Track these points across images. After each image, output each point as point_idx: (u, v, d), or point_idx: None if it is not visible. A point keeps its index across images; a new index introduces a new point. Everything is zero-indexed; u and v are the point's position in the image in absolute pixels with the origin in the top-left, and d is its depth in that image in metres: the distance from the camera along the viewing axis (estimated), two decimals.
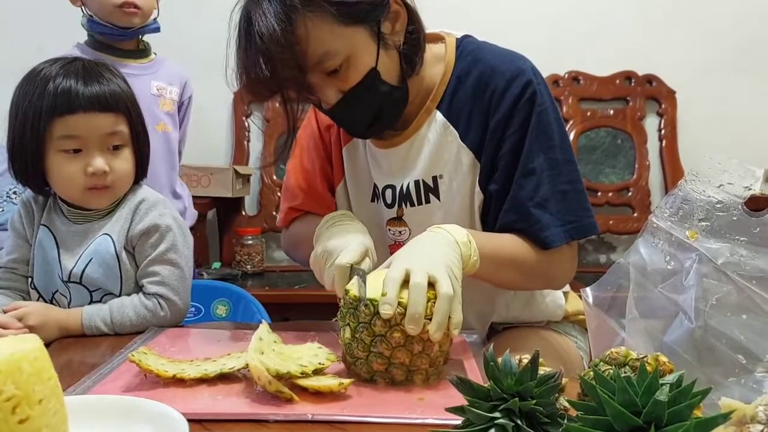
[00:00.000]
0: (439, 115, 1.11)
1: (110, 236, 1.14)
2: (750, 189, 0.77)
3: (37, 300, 1.16)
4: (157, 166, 1.79)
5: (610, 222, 2.64)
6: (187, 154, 2.12)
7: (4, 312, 1.07)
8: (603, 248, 2.76)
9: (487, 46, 1.14)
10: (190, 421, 0.65)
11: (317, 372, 0.81)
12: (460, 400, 0.59)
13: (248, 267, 2.55)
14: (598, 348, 0.82)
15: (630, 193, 2.68)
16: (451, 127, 1.10)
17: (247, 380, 0.83)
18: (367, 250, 0.98)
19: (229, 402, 0.77)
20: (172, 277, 1.14)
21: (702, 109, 2.68)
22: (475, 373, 0.86)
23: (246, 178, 2.64)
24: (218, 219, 2.75)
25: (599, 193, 2.66)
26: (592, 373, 0.61)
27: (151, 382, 0.83)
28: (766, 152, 2.39)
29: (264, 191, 2.75)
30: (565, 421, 0.57)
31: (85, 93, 1.08)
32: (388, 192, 1.15)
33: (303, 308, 2.15)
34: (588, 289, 0.84)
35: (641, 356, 0.67)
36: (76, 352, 1.02)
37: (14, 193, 2.00)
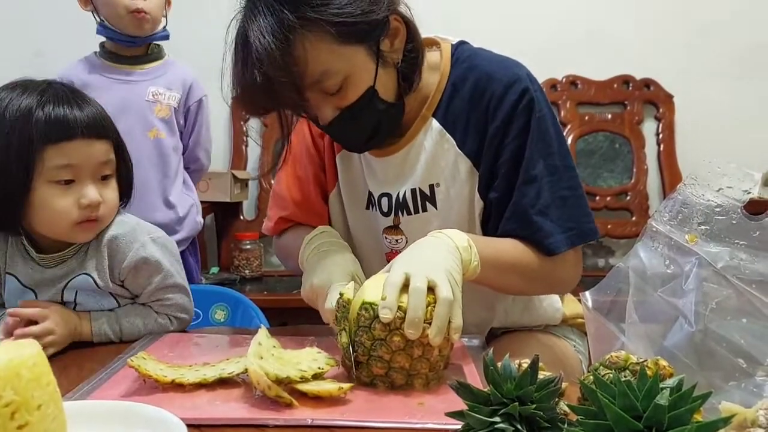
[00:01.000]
0: (435, 123, 1.10)
1: (89, 275, 1.09)
2: (749, 193, 0.77)
3: None
4: (147, 174, 1.78)
5: (609, 226, 2.64)
6: None
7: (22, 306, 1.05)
8: (601, 252, 2.76)
9: (483, 52, 1.13)
10: (188, 426, 0.65)
11: (316, 377, 0.80)
12: (460, 404, 0.59)
13: (246, 272, 2.55)
14: (597, 352, 0.81)
15: (628, 197, 2.68)
16: (448, 135, 1.09)
17: (246, 385, 0.83)
18: (352, 275, 0.98)
19: (228, 407, 0.77)
20: (178, 299, 1.15)
21: (700, 113, 2.69)
22: (475, 378, 0.86)
23: (244, 183, 2.64)
24: (216, 224, 2.75)
25: (597, 197, 2.66)
26: (592, 377, 0.61)
27: (150, 387, 0.82)
28: (764, 156, 2.40)
29: (262, 196, 2.75)
30: (566, 425, 0.57)
31: (82, 119, 1.01)
32: (384, 200, 1.15)
33: (301, 313, 2.13)
34: (587, 293, 0.84)
35: (641, 360, 0.67)
36: (75, 358, 1.02)
37: None
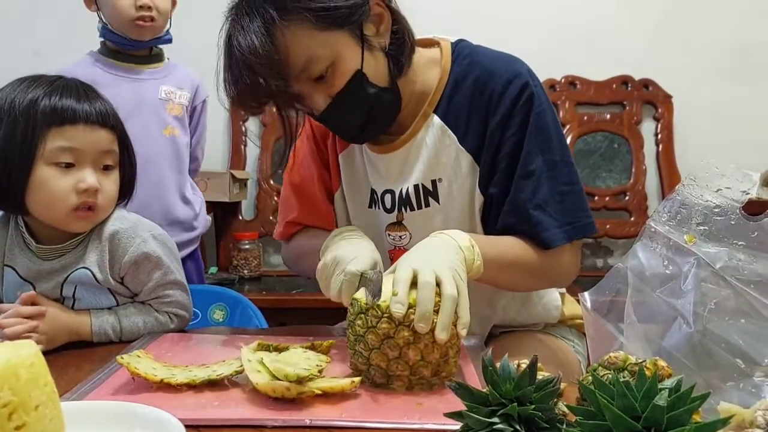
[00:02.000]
0: (436, 119, 1.11)
1: (88, 269, 1.09)
2: (747, 193, 0.77)
3: None
4: (164, 171, 1.80)
5: (607, 226, 2.64)
6: None
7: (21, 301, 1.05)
8: (600, 252, 2.77)
9: (483, 49, 1.14)
10: (187, 426, 0.65)
11: (320, 372, 0.82)
12: (458, 405, 0.59)
13: (245, 271, 2.55)
14: (596, 353, 0.81)
15: (627, 198, 2.68)
16: (449, 131, 1.10)
17: (237, 386, 0.83)
18: (377, 263, 0.97)
19: (226, 407, 0.77)
20: (178, 296, 1.16)
21: (698, 113, 2.69)
22: (474, 378, 0.86)
23: (243, 183, 2.64)
24: (215, 223, 2.74)
25: (596, 197, 2.66)
26: (590, 377, 0.61)
27: (141, 386, 0.82)
28: (763, 156, 2.40)
29: (261, 196, 2.74)
30: (564, 426, 0.57)
31: (87, 107, 1.05)
32: (387, 197, 1.15)
33: (300, 313, 2.15)
34: (586, 293, 0.84)
35: (640, 361, 0.67)
36: (73, 358, 1.02)
37: None
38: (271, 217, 2.69)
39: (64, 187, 1.03)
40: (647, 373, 0.56)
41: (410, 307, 0.82)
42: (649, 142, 2.72)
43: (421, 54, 1.12)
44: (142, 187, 1.79)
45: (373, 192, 1.18)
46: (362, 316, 0.84)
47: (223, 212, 2.69)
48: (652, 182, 2.71)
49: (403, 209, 1.14)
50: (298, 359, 0.85)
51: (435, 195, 1.12)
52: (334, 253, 0.98)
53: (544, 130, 1.06)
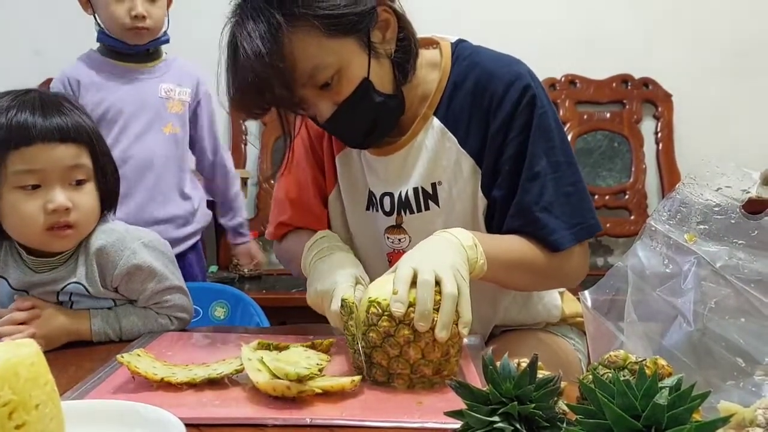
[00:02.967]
0: (436, 122, 1.10)
1: (81, 284, 1.07)
2: (748, 192, 0.77)
3: None
4: (164, 168, 1.81)
5: (607, 225, 2.64)
6: None
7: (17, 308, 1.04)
8: (600, 251, 2.77)
9: (483, 50, 1.13)
10: (187, 425, 0.65)
11: (321, 371, 0.82)
12: (459, 404, 0.59)
13: (245, 270, 2.55)
14: (596, 351, 0.81)
15: (627, 196, 2.68)
16: (449, 133, 1.09)
17: (237, 385, 0.83)
18: (356, 278, 0.97)
19: (227, 406, 0.77)
20: (177, 299, 1.15)
21: (698, 112, 2.69)
22: (474, 377, 0.86)
23: (243, 182, 2.63)
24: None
25: (596, 196, 2.66)
26: (591, 376, 0.61)
27: (147, 385, 0.82)
28: (763, 155, 2.40)
29: (261, 194, 2.74)
30: (565, 424, 0.57)
31: (43, 124, 0.99)
32: (387, 199, 1.15)
33: (300, 311, 2.13)
34: (586, 292, 0.84)
35: (640, 360, 0.67)
36: (74, 357, 1.01)
37: None
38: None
39: (32, 210, 1.00)
40: (647, 371, 0.56)
41: (411, 305, 0.82)
42: (649, 140, 2.72)
43: (421, 55, 1.11)
44: (141, 186, 1.79)
45: (371, 194, 1.17)
46: (387, 317, 0.84)
47: None
48: (652, 181, 2.71)
49: (402, 212, 1.13)
50: (298, 358, 0.85)
51: (435, 198, 1.11)
52: (315, 287, 0.98)
53: (547, 132, 1.06)
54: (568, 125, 2.70)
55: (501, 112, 1.05)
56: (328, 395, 0.79)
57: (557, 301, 1.24)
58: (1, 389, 0.53)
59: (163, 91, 1.81)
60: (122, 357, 0.84)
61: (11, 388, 0.53)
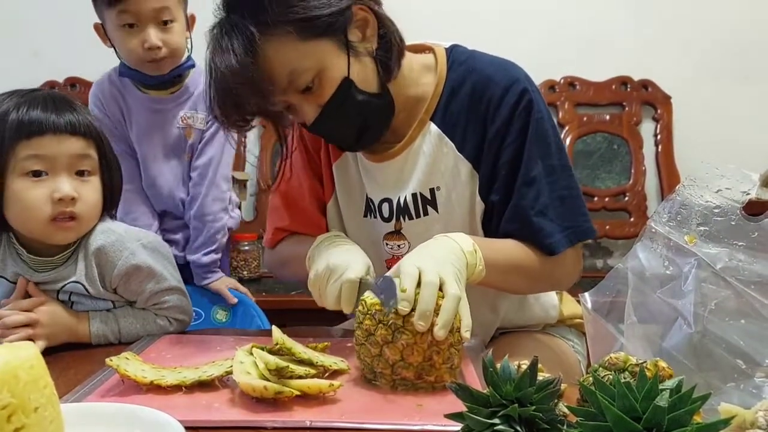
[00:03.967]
0: (433, 127, 1.10)
1: (80, 283, 1.08)
2: (747, 194, 0.77)
3: None
4: (174, 191, 1.73)
5: (607, 227, 2.64)
6: None
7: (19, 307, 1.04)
8: (600, 253, 2.76)
9: (479, 54, 1.13)
10: (187, 428, 0.65)
11: (326, 372, 0.83)
12: (459, 406, 0.59)
13: (245, 273, 2.54)
14: (596, 353, 0.81)
15: (626, 198, 2.68)
16: (447, 139, 1.09)
17: (227, 387, 0.83)
18: (369, 268, 0.97)
19: (224, 408, 0.77)
20: (175, 300, 1.15)
21: (698, 114, 2.69)
22: (474, 380, 0.86)
23: (242, 184, 2.63)
24: None
25: (596, 198, 2.66)
26: (591, 378, 0.61)
27: (137, 389, 0.82)
28: (762, 157, 2.40)
29: (260, 197, 2.74)
30: (565, 427, 0.57)
31: (54, 119, 1.02)
32: (385, 206, 1.14)
33: (300, 314, 2.14)
34: (587, 294, 0.84)
35: (640, 362, 0.67)
36: (73, 360, 1.01)
37: None
38: None
39: (38, 197, 1.01)
40: (648, 373, 0.56)
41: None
42: (648, 142, 2.72)
43: (414, 59, 1.10)
44: (157, 205, 1.76)
45: (369, 201, 1.17)
46: (370, 316, 0.85)
47: None
48: (651, 183, 2.71)
49: (401, 218, 1.13)
50: (311, 355, 0.86)
51: (433, 203, 1.11)
52: (326, 262, 0.97)
53: (544, 137, 1.06)
54: (567, 127, 2.70)
55: (498, 117, 1.06)
56: (328, 397, 0.79)
57: (554, 301, 1.24)
58: (0, 392, 0.52)
59: (181, 120, 1.72)
60: (111, 360, 0.84)
61: (10, 391, 0.53)
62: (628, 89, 2.73)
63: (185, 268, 1.64)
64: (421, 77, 1.11)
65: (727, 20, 2.68)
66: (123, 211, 1.70)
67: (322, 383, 0.78)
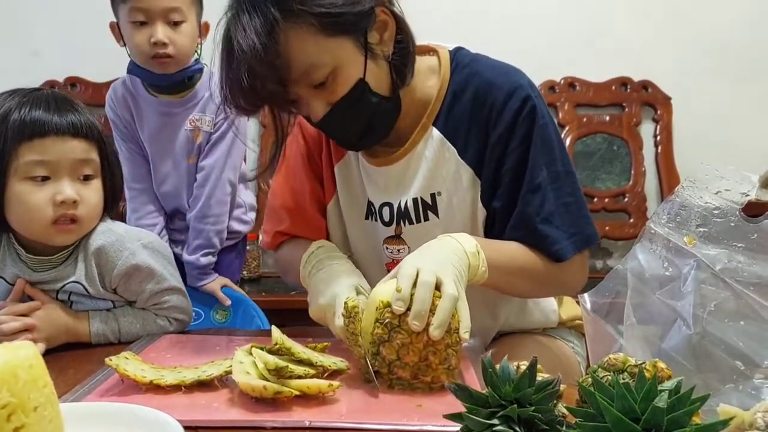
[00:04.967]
0: (435, 132, 1.09)
1: (79, 283, 1.08)
2: (747, 195, 0.77)
3: None
4: (182, 192, 1.74)
5: (607, 228, 2.64)
6: None
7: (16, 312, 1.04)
8: (599, 254, 2.76)
9: (482, 58, 1.12)
10: (186, 428, 0.65)
11: (326, 372, 0.83)
12: (458, 407, 0.59)
13: (244, 272, 2.54)
14: (596, 354, 0.81)
15: (626, 199, 2.68)
16: (449, 144, 1.08)
17: (226, 387, 0.83)
18: (356, 287, 0.97)
19: (224, 408, 0.77)
20: (175, 300, 1.15)
21: (697, 115, 2.69)
22: (474, 380, 0.86)
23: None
24: None
25: (595, 199, 2.66)
26: (590, 379, 0.61)
27: (136, 388, 0.82)
28: (762, 158, 2.40)
29: (260, 197, 2.74)
30: (564, 427, 0.57)
31: (57, 119, 1.01)
32: (386, 210, 1.14)
33: (300, 314, 2.13)
34: (586, 295, 0.84)
35: (639, 363, 0.67)
36: (72, 359, 1.01)
37: None
38: None
39: (40, 200, 1.01)
40: (647, 374, 0.56)
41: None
42: (648, 143, 2.72)
43: (419, 61, 1.10)
44: (166, 206, 1.76)
45: (370, 204, 1.16)
46: (354, 319, 0.86)
47: None
48: (651, 184, 2.71)
49: (401, 223, 1.12)
50: (311, 355, 0.86)
51: (434, 209, 1.10)
52: (317, 302, 0.99)
53: (548, 143, 1.05)
54: (567, 128, 2.70)
55: (501, 123, 1.05)
56: (327, 397, 0.79)
57: (554, 306, 1.24)
58: None
59: (189, 123, 1.72)
60: (110, 360, 0.84)
61: (10, 390, 0.53)
62: (628, 90, 2.73)
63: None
64: (426, 80, 1.11)
65: (726, 20, 2.68)
66: (130, 208, 1.72)
67: (322, 383, 0.78)
